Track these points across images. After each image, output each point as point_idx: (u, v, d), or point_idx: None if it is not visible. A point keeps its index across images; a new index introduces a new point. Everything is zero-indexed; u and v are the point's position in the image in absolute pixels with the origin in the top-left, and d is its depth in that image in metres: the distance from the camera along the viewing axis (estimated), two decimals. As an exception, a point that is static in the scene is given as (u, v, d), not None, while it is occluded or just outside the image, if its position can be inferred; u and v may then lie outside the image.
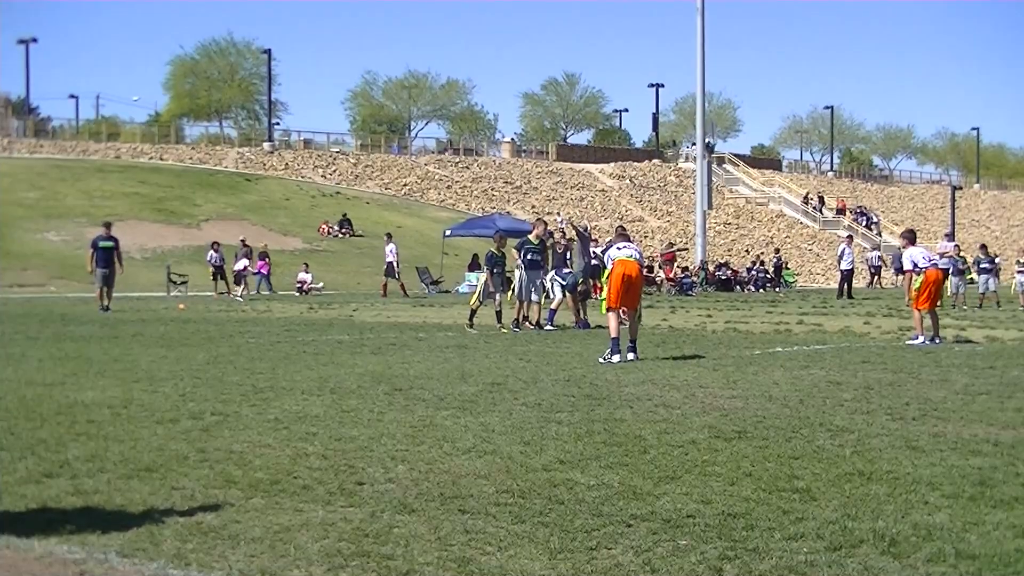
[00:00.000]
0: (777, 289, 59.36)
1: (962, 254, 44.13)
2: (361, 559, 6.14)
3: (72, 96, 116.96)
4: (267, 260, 53.45)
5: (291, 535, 6.61)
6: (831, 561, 6.06)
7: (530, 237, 26.34)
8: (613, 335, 17.73)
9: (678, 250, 63.65)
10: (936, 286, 22.83)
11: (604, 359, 17.36)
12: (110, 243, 34.06)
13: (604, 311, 18.39)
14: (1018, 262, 41.59)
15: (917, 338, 21.62)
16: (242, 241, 51.50)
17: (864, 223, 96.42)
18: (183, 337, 22.42)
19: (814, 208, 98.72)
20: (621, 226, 22.15)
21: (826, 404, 12.36)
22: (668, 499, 7.50)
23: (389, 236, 50.30)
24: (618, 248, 18.73)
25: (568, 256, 28.87)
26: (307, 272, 52.01)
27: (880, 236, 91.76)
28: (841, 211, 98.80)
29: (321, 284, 54.46)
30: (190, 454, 9.14)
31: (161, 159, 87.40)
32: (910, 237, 24.20)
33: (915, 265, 22.68)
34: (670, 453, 9.23)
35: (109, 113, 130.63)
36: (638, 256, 18.67)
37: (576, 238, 29.61)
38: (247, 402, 12.34)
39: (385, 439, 9.89)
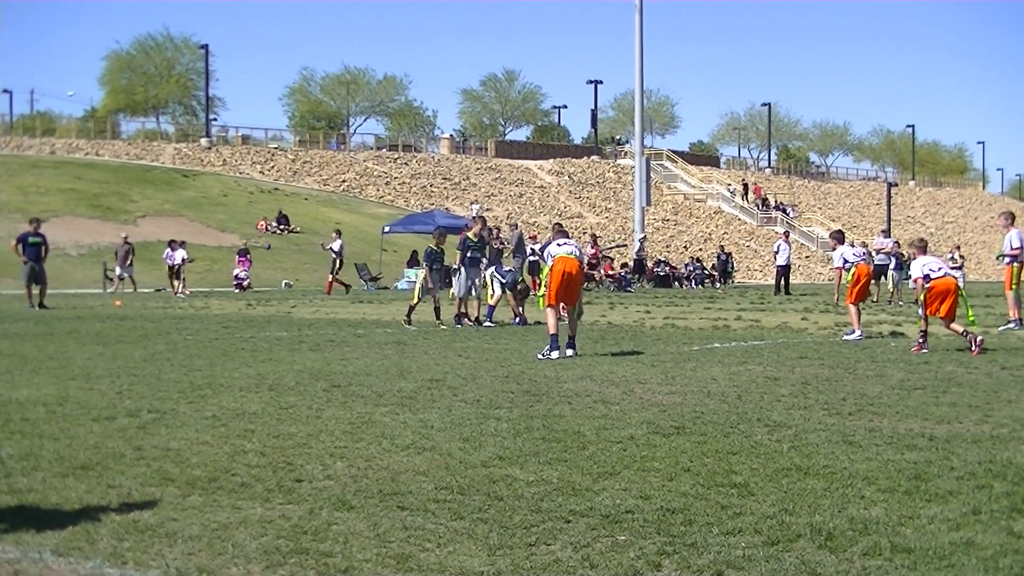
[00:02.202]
0: (717, 285, 59.76)
1: (900, 250, 44.55)
2: (300, 556, 6.12)
3: (5, 91, 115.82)
4: (247, 257, 53.19)
5: (229, 533, 6.58)
6: (769, 555, 6.10)
7: (469, 235, 26.29)
8: (552, 331, 17.75)
9: (617, 246, 63.84)
10: (867, 280, 23.25)
11: (543, 355, 17.38)
12: (38, 239, 33.76)
13: (542, 307, 18.39)
14: (952, 259, 42.04)
15: (853, 333, 21.82)
16: (124, 238, 50.25)
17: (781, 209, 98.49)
18: (119, 334, 22.24)
19: (730, 191, 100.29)
20: (559, 223, 22.08)
21: (764, 400, 12.43)
22: (607, 495, 7.51)
23: (338, 232, 50.39)
24: (558, 244, 18.71)
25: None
26: (245, 269, 51.76)
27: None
28: (764, 202, 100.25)
29: (295, 281, 54.55)
30: (127, 452, 9.07)
31: (97, 155, 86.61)
32: (839, 237, 24.60)
33: (845, 261, 23.03)
34: (609, 449, 9.25)
35: (44, 108, 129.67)
36: (578, 253, 18.70)
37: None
38: (184, 399, 12.26)
39: (323, 436, 9.86)
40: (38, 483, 7.86)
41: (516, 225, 48.79)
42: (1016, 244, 24.61)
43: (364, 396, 12.60)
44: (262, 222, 70.67)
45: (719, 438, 9.79)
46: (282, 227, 70.66)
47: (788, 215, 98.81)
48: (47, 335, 21.68)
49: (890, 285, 41.42)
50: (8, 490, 7.64)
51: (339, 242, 48.78)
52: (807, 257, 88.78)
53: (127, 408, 11.52)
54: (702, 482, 7.90)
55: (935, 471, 8.30)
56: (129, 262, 48.15)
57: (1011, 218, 25.41)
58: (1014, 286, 24.33)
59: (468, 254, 25.63)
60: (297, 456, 8.91)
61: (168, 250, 47.90)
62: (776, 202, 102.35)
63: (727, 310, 31.12)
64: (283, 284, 54.52)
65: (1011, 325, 23.83)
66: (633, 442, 9.59)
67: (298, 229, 70.33)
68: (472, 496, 7.49)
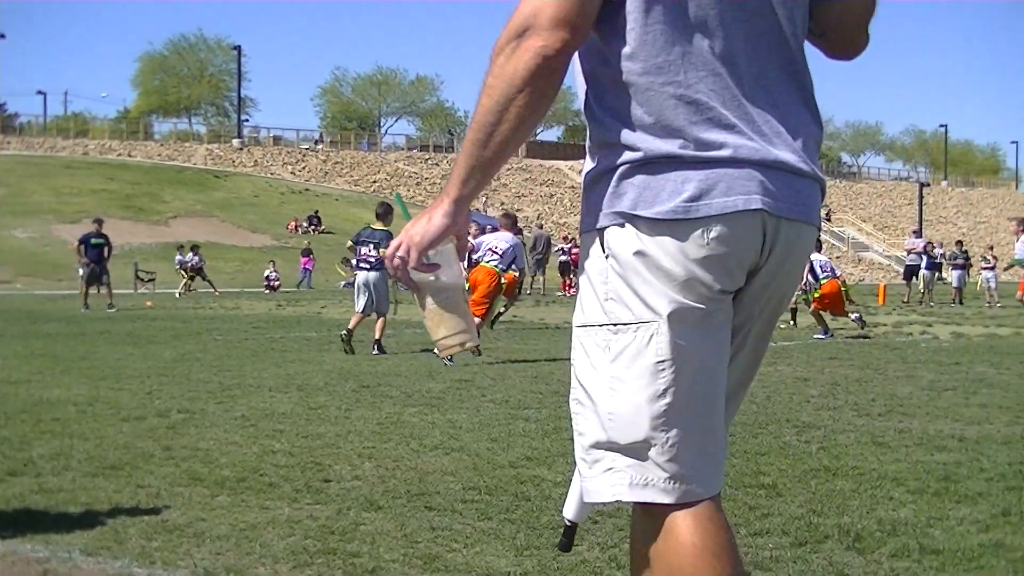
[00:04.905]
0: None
1: (936, 250, 44.52)
2: (327, 556, 6.13)
3: (40, 92, 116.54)
4: (311, 256, 53.36)
5: (257, 533, 6.59)
6: (796, 556, 6.08)
7: None
8: None
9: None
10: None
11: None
12: (101, 240, 33.88)
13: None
14: (984, 259, 41.94)
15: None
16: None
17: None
18: (150, 334, 22.34)
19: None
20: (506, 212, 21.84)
21: (793, 400, 12.40)
22: (634, 495, 7.48)
23: None
24: (490, 250, 18.92)
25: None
26: (275, 270, 51.89)
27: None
28: None
29: (350, 280, 54.60)
30: (156, 452, 9.10)
31: (130, 156, 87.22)
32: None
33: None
34: (637, 449, 9.21)
35: (77, 109, 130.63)
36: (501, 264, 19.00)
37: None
38: (214, 399, 12.30)
39: (352, 436, 9.87)
40: (68, 483, 7.89)
41: (540, 226, 49.28)
42: None
43: (393, 396, 12.63)
44: (293, 222, 70.90)
45: (747, 438, 9.77)
46: (313, 227, 70.85)
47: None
48: (78, 335, 21.80)
49: (921, 285, 41.37)
50: (39, 489, 7.67)
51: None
52: (837, 257, 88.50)
53: (157, 408, 11.57)
54: (730, 483, 7.87)
55: (965, 472, 8.26)
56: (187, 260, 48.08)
57: (1023, 224, 25.39)
58: None
59: None
60: (325, 456, 8.92)
61: (191, 255, 48.28)
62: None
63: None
64: (342, 284, 54.77)
65: None
66: (661, 443, 9.55)
67: (330, 230, 70.55)
68: (500, 497, 7.49)
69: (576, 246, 54.75)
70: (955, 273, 42.25)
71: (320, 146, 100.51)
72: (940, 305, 38.35)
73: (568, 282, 51.47)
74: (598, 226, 3.02)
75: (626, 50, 2.96)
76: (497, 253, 18.71)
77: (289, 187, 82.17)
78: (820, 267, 23.33)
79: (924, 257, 41.87)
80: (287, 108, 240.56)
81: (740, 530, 6.60)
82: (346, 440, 9.68)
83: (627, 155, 2.96)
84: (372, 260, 18.65)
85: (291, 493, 7.61)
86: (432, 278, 3.29)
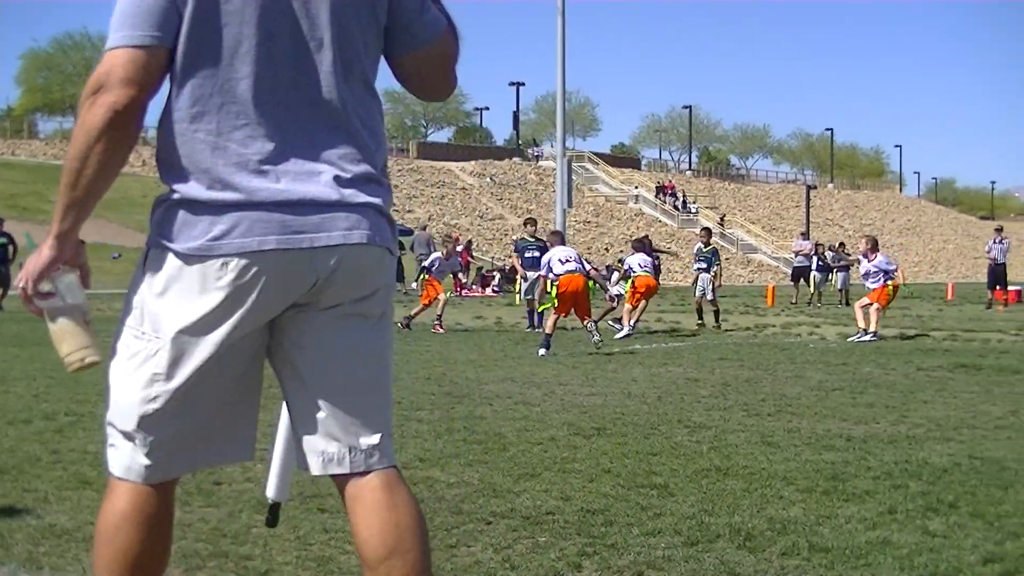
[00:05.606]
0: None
1: (826, 252, 45.02)
2: (219, 559, 6.07)
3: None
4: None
5: (147, 536, 6.49)
6: (688, 556, 6.12)
7: (526, 236, 26.28)
8: (548, 331, 18.90)
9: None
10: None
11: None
12: (4, 240, 33.10)
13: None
14: (835, 256, 42.68)
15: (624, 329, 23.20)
16: None
17: (672, 203, 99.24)
18: (37, 336, 21.96)
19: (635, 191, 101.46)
20: (557, 231, 22.35)
21: (684, 401, 12.50)
22: (528, 496, 7.51)
23: None
24: (560, 261, 19.36)
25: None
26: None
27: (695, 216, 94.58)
28: (661, 190, 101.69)
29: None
30: (43, 455, 8.95)
31: (13, 154, 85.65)
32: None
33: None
34: (530, 450, 9.25)
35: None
36: (582, 268, 19.43)
37: None
38: (102, 402, 12.09)
39: (244, 438, 9.76)
40: (-48, 487, 7.74)
41: (425, 227, 49.33)
42: (892, 267, 24.82)
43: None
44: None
45: (639, 439, 9.83)
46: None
47: (692, 212, 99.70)
48: (-38, 337, 21.39)
49: (812, 287, 41.87)
50: (-79, 494, 7.52)
51: None
52: (727, 259, 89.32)
53: (44, 411, 11.38)
54: (623, 483, 7.92)
55: (852, 471, 8.38)
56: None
57: (875, 243, 25.57)
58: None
59: (527, 254, 25.54)
60: (217, 459, 8.80)
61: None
62: (672, 191, 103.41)
63: (647, 312, 31.23)
64: None
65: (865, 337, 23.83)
66: (554, 443, 9.60)
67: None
68: (393, 498, 7.44)
69: (468, 248, 54.97)
70: (839, 275, 42.85)
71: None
72: (828, 306, 38.85)
73: (458, 283, 51.45)
74: (147, 244, 3.49)
75: (172, 100, 3.38)
76: (574, 261, 19.53)
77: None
78: (640, 264, 24.88)
79: (815, 259, 42.37)
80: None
81: (633, 530, 6.63)
82: (237, 442, 9.57)
83: (171, 193, 3.40)
84: None
85: (182, 496, 7.51)
86: (60, 303, 3.54)
